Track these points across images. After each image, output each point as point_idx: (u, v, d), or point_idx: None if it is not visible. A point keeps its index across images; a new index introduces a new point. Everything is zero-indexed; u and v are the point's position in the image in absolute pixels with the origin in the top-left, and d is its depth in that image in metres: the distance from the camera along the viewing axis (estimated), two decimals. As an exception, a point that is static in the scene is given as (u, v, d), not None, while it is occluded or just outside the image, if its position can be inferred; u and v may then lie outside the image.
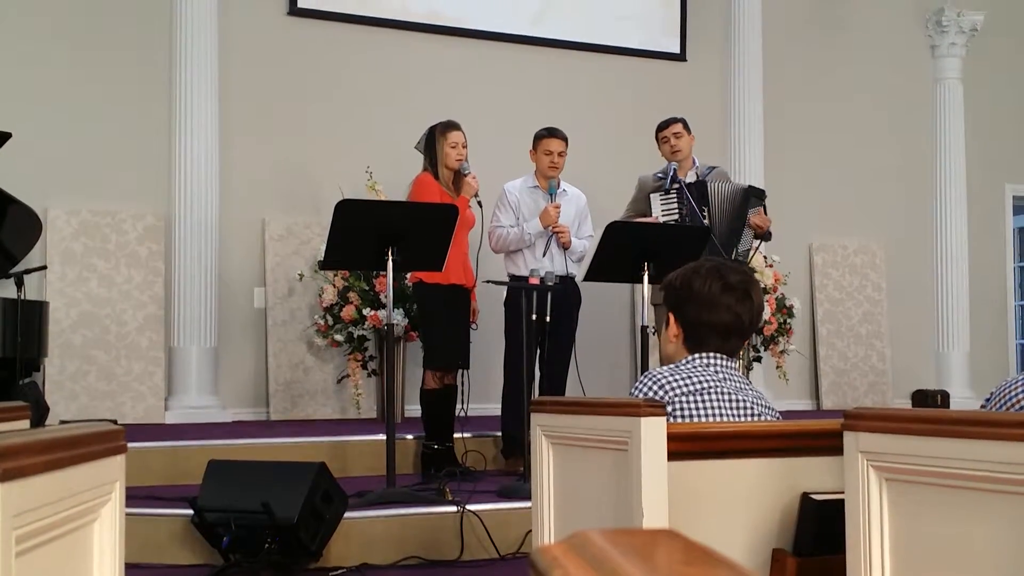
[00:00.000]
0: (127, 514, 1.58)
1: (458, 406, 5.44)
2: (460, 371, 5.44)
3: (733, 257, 5.58)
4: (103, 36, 7.05)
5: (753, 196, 5.71)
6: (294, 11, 7.49)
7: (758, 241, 5.83)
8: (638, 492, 2.00)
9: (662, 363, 2.77)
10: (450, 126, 5.48)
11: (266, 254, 7.33)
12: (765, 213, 5.76)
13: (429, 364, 5.46)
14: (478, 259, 5.53)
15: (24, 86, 6.86)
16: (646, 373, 2.56)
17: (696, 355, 2.56)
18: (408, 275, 5.91)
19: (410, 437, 5.61)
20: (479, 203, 5.41)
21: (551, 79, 8.09)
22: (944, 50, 9.46)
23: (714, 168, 5.92)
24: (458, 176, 5.42)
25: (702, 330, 2.57)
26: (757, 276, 7.30)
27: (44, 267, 6.45)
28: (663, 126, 5.86)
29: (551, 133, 5.71)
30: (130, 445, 1.59)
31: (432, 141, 5.46)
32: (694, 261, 2.74)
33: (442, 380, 5.45)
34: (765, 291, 7.51)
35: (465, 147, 5.45)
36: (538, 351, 5.41)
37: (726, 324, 2.55)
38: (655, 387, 2.48)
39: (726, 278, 2.57)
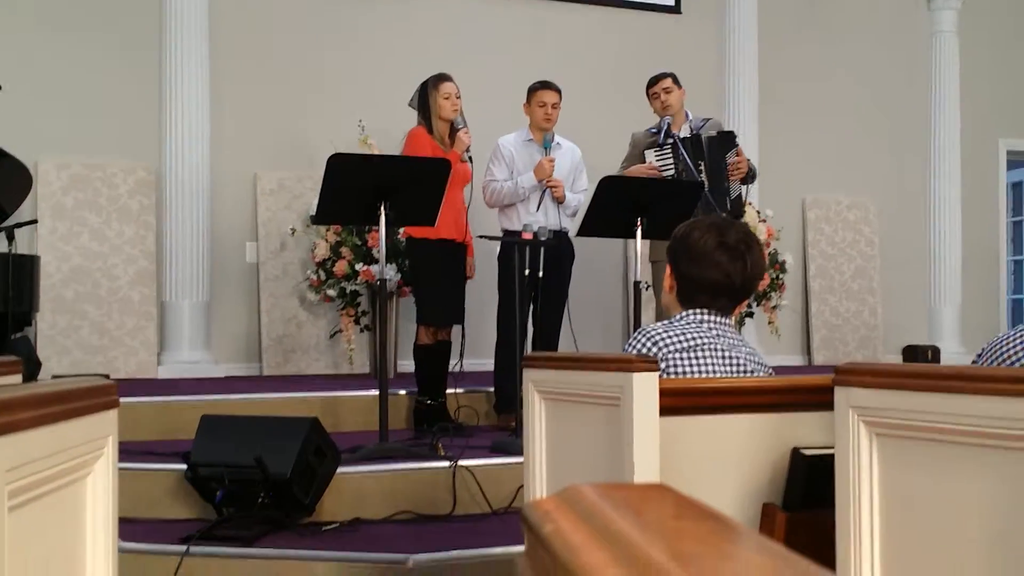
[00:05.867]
0: (120, 469, 1.59)
1: (453, 361, 5.44)
2: (460, 324, 5.43)
3: (728, 207, 5.56)
4: (91, -12, 6.98)
5: (726, 141, 5.66)
6: (285, -37, 7.41)
7: (744, 186, 5.79)
8: (630, 447, 2.01)
9: (658, 315, 2.77)
10: (442, 78, 5.44)
11: (258, 208, 7.31)
12: (738, 155, 5.71)
13: (422, 320, 5.46)
14: (471, 214, 5.51)
15: (13, 39, 6.80)
16: (640, 329, 2.56)
17: (689, 311, 2.56)
18: (402, 230, 5.89)
19: (403, 392, 5.63)
20: (470, 158, 5.38)
21: (545, 32, 8.04)
22: (940, 3, 9.41)
23: (708, 120, 5.88)
24: (453, 129, 5.39)
25: (692, 284, 2.56)
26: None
27: (35, 221, 6.42)
28: (653, 82, 5.83)
29: (545, 85, 5.68)
30: (123, 400, 1.59)
31: (425, 95, 5.43)
32: (689, 216, 2.73)
33: (435, 336, 5.45)
34: (758, 246, 7.49)
35: (459, 98, 5.41)
36: (531, 306, 5.41)
37: (714, 282, 2.53)
38: (648, 343, 2.48)
39: (723, 235, 2.54)
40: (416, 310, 5.61)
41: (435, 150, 5.24)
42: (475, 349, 5.54)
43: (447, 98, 5.36)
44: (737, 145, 5.70)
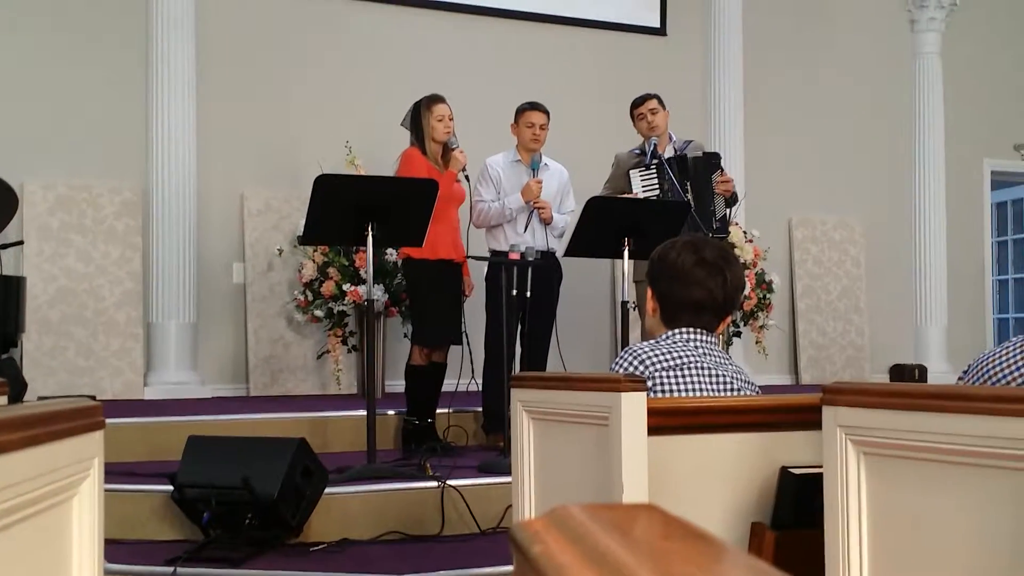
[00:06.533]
0: (106, 490, 1.58)
1: (459, 381, 5.41)
2: (458, 345, 5.41)
3: (714, 227, 5.59)
4: (79, 8, 6.98)
5: (711, 162, 5.71)
6: (272, -16, 7.43)
7: (729, 208, 5.83)
8: (618, 467, 2.01)
9: (644, 337, 2.78)
10: (435, 99, 5.44)
11: (245, 229, 7.30)
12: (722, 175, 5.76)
13: (417, 340, 5.44)
14: (467, 234, 5.52)
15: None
16: (626, 348, 2.56)
17: (676, 330, 2.57)
18: (397, 250, 5.87)
19: (391, 413, 5.61)
20: (466, 177, 5.39)
21: (532, 53, 8.07)
22: (923, 24, 9.48)
23: (690, 142, 5.92)
24: (446, 150, 5.40)
25: (674, 304, 2.57)
26: (737, 251, 7.37)
27: (21, 242, 6.40)
28: (638, 102, 5.86)
29: (533, 106, 5.71)
30: (109, 421, 1.59)
31: (418, 116, 5.42)
32: (675, 236, 2.74)
33: (429, 357, 5.42)
34: (745, 266, 7.52)
35: (452, 120, 5.41)
36: (519, 326, 5.41)
37: (697, 299, 2.54)
38: (635, 362, 2.48)
39: (700, 252, 2.56)
40: (412, 330, 5.59)
41: (430, 171, 5.24)
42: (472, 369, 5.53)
43: (440, 120, 5.36)
44: (721, 166, 5.74)
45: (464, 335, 5.35)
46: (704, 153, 5.80)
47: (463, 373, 5.31)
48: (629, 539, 0.72)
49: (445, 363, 5.49)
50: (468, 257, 5.43)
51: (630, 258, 5.04)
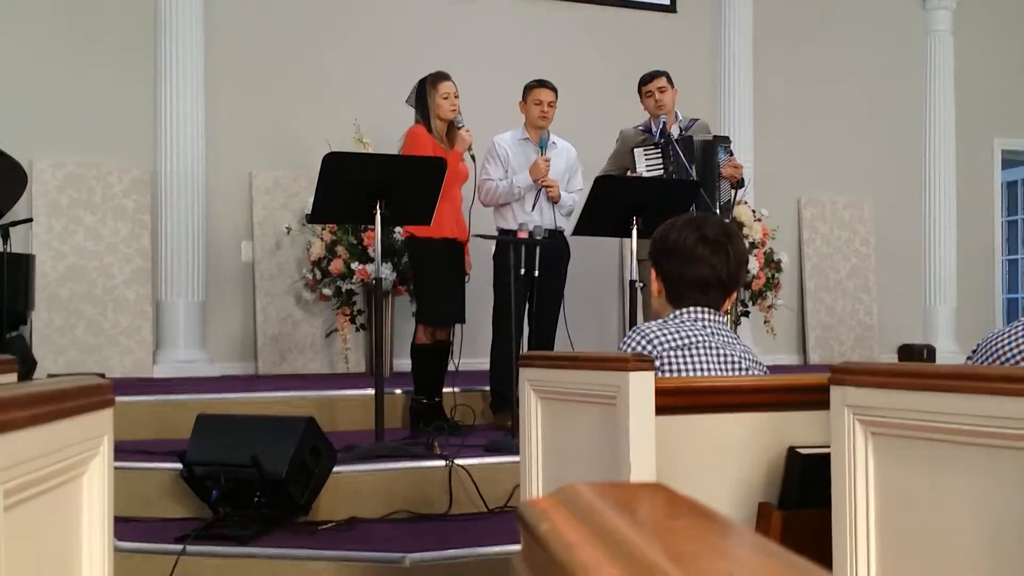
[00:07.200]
0: (116, 468, 1.58)
1: (451, 360, 5.43)
2: (462, 323, 5.42)
3: (717, 210, 5.58)
4: (87, -14, 6.97)
5: (720, 146, 5.70)
6: (280, -39, 7.40)
7: (735, 191, 5.82)
8: (626, 446, 2.01)
9: (648, 317, 2.78)
10: (440, 77, 5.41)
11: (253, 207, 7.30)
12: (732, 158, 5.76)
13: (422, 319, 5.44)
14: (471, 213, 5.51)
15: (9, 37, 6.78)
16: (634, 328, 2.56)
17: (683, 310, 2.56)
18: (401, 229, 5.87)
19: (399, 391, 5.62)
20: (472, 156, 5.38)
21: (541, 31, 8.04)
22: (935, 2, 9.42)
23: (696, 121, 5.89)
24: (451, 128, 5.38)
25: (679, 283, 2.57)
26: (746, 230, 7.36)
27: (30, 220, 6.41)
28: (647, 79, 5.83)
29: (541, 83, 5.69)
30: (118, 399, 1.59)
31: (423, 93, 5.40)
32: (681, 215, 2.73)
33: (434, 336, 5.42)
34: (753, 245, 7.50)
35: (457, 97, 5.39)
36: (527, 306, 5.40)
37: (702, 277, 2.54)
38: (643, 342, 2.48)
39: (702, 230, 2.56)
40: (416, 309, 5.59)
41: (436, 149, 5.22)
42: (471, 348, 5.53)
43: (446, 97, 5.34)
44: (731, 150, 5.72)
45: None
46: (714, 136, 5.79)
47: (458, 354, 5.31)
48: (636, 518, 0.72)
49: (450, 341, 5.48)
50: (475, 236, 5.42)
51: (639, 237, 5.03)
